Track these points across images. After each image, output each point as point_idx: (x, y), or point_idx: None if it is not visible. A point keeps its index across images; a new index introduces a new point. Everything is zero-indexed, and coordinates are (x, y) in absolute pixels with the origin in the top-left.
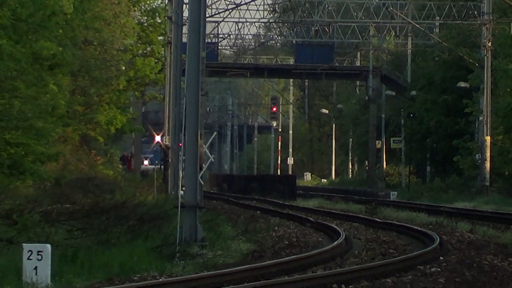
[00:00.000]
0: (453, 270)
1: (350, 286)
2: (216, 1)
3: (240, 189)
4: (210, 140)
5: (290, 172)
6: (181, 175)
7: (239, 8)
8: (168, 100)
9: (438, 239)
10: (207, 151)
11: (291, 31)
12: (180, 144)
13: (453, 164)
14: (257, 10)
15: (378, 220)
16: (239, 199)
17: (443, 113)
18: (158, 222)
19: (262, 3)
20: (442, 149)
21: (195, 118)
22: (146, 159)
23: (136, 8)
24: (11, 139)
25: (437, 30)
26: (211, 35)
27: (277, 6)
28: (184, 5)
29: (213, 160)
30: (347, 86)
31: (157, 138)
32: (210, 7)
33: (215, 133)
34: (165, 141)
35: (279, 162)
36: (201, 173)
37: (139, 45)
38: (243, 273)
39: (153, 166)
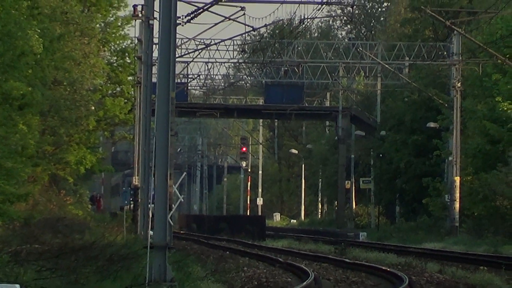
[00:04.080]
0: None
1: None
2: (186, 42)
3: (209, 230)
4: (180, 180)
5: (259, 213)
6: (150, 215)
7: (208, 48)
8: (138, 140)
9: (407, 279)
10: (177, 191)
11: (261, 71)
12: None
13: (422, 205)
14: (227, 50)
15: (347, 260)
16: (208, 239)
17: (413, 154)
18: (127, 262)
19: (232, 44)
20: (411, 190)
21: (164, 158)
22: None
23: (105, 48)
24: None
25: (407, 71)
26: (181, 75)
27: (246, 46)
28: (154, 46)
29: (182, 200)
30: (316, 126)
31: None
32: (180, 47)
33: (184, 173)
34: (135, 181)
35: (248, 202)
36: (171, 213)
37: (108, 85)
38: None
39: None
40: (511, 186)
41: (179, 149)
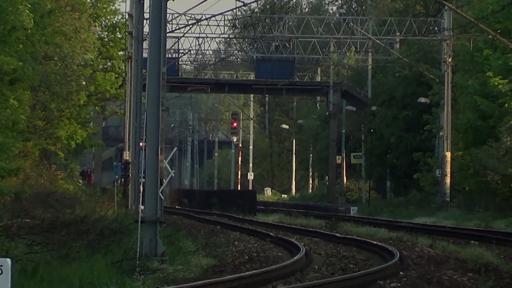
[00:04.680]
0: (413, 285)
1: None
2: (177, 17)
3: (200, 204)
4: (171, 155)
5: (250, 187)
6: (141, 190)
7: (199, 23)
8: (129, 115)
9: (398, 254)
10: (168, 166)
11: (252, 47)
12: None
13: (413, 180)
14: (218, 25)
15: (338, 235)
16: (199, 213)
17: (404, 129)
18: (118, 237)
19: (223, 19)
20: (402, 165)
21: (155, 133)
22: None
23: (96, 23)
24: None
25: (398, 46)
26: (172, 50)
27: (237, 21)
28: (145, 21)
29: (173, 175)
30: (307, 101)
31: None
32: (171, 23)
33: (175, 148)
34: (126, 156)
35: (239, 177)
36: (162, 188)
37: (99, 60)
38: None
39: None
40: (501, 161)
41: (172, 125)
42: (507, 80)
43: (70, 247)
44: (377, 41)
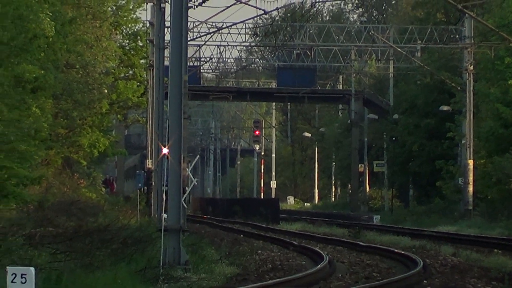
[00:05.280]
0: None
1: None
2: (198, 25)
3: (223, 213)
4: (193, 163)
5: (273, 196)
6: (164, 198)
7: (220, 31)
8: (151, 123)
9: (422, 262)
10: (190, 174)
11: (273, 55)
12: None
13: (435, 188)
14: (239, 33)
15: (361, 243)
16: (222, 222)
17: (426, 137)
18: (141, 245)
19: (244, 27)
20: (424, 173)
21: (178, 142)
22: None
23: (117, 32)
24: None
25: (419, 54)
26: (193, 59)
27: (258, 29)
28: (166, 29)
29: (196, 183)
30: (329, 109)
31: (164, 150)
32: (192, 31)
33: (198, 156)
34: (148, 164)
35: (262, 185)
36: (184, 196)
37: (121, 68)
38: None
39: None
40: None
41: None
42: None
43: (93, 256)
44: (398, 49)
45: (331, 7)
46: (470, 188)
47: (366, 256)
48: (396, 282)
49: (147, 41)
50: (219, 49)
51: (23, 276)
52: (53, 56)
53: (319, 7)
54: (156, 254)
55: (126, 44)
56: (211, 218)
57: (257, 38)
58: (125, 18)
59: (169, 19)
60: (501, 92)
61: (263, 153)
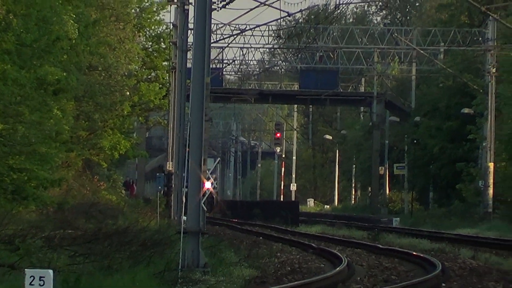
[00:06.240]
0: None
1: None
2: (221, 27)
3: (243, 215)
4: (214, 166)
5: (293, 198)
6: (184, 201)
7: (243, 34)
8: (172, 125)
9: (441, 265)
10: (211, 177)
11: (296, 57)
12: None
13: (455, 190)
14: (262, 36)
15: (380, 246)
16: (241, 224)
17: (447, 139)
18: (160, 248)
19: (267, 29)
20: (445, 175)
21: (199, 144)
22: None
23: (141, 34)
24: (14, 164)
25: (442, 56)
26: (216, 61)
27: (281, 32)
28: (189, 31)
29: (216, 186)
30: (351, 112)
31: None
32: (215, 33)
33: (218, 158)
34: (169, 167)
35: (282, 188)
36: (204, 199)
37: (143, 70)
38: None
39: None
40: None
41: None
42: None
43: (112, 258)
44: (421, 52)
45: (354, 9)
46: (490, 191)
47: (385, 258)
48: (414, 285)
49: (170, 43)
50: (242, 51)
51: (42, 278)
52: (76, 58)
53: (343, 9)
54: (175, 257)
55: (149, 46)
56: (230, 221)
57: (280, 40)
58: (148, 20)
59: (192, 21)
60: None
61: (283, 156)
